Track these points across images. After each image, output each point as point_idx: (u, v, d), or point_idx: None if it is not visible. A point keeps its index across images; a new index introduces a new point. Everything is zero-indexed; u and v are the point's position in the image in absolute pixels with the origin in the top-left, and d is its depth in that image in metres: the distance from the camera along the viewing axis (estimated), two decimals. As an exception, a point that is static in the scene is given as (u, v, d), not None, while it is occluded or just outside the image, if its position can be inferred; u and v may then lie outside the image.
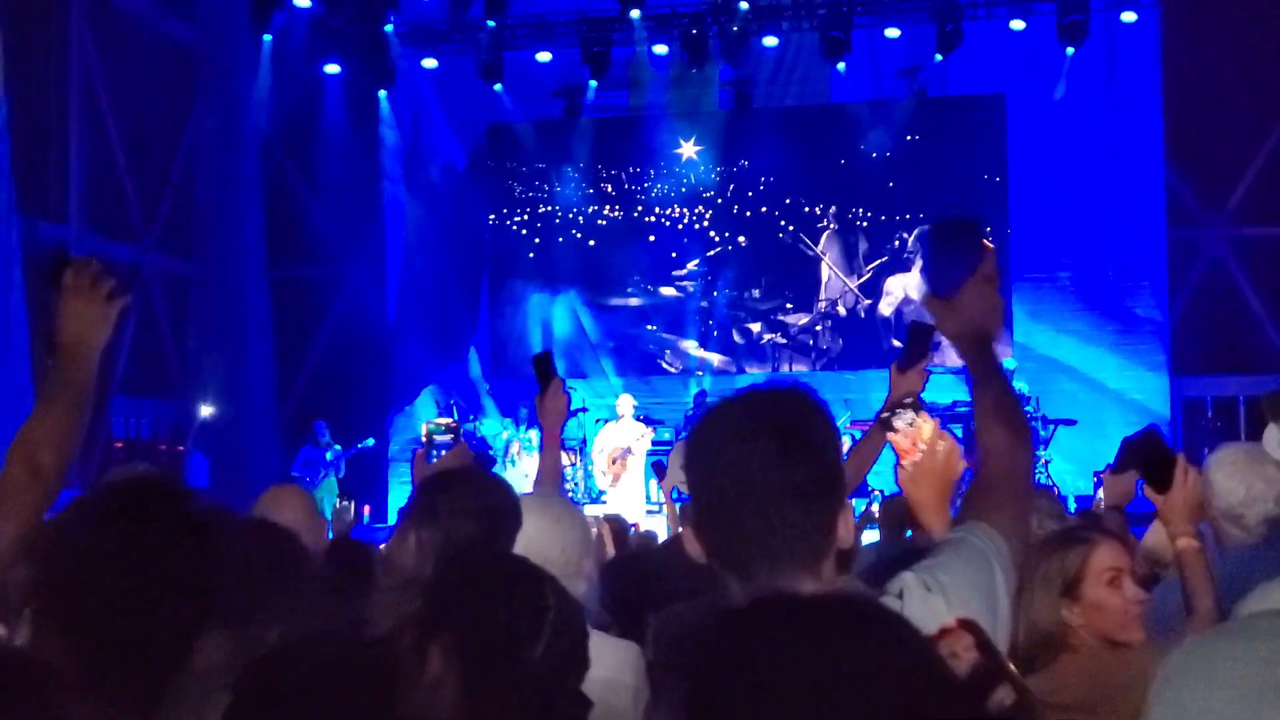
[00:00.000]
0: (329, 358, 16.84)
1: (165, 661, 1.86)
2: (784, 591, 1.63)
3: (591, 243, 17.06)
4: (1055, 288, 15.41)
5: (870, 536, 7.01)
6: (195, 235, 16.22)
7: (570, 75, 16.54)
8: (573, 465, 14.27)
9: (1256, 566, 2.97)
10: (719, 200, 16.83)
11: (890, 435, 2.43)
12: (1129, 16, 15.43)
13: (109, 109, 14.74)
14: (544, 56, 16.42)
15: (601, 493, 13.67)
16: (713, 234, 16.86)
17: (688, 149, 16.90)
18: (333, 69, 16.63)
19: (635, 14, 15.62)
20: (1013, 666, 1.64)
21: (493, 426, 15.33)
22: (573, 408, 16.38)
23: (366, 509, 15.07)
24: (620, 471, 13.45)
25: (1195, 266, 15.72)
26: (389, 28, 16.36)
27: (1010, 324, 15.01)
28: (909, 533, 6.38)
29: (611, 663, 2.87)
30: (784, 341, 16.78)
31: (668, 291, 16.97)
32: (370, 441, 15.07)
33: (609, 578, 3.89)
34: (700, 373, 16.66)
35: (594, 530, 5.18)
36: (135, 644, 1.82)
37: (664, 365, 16.98)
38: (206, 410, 15.54)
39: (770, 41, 16.11)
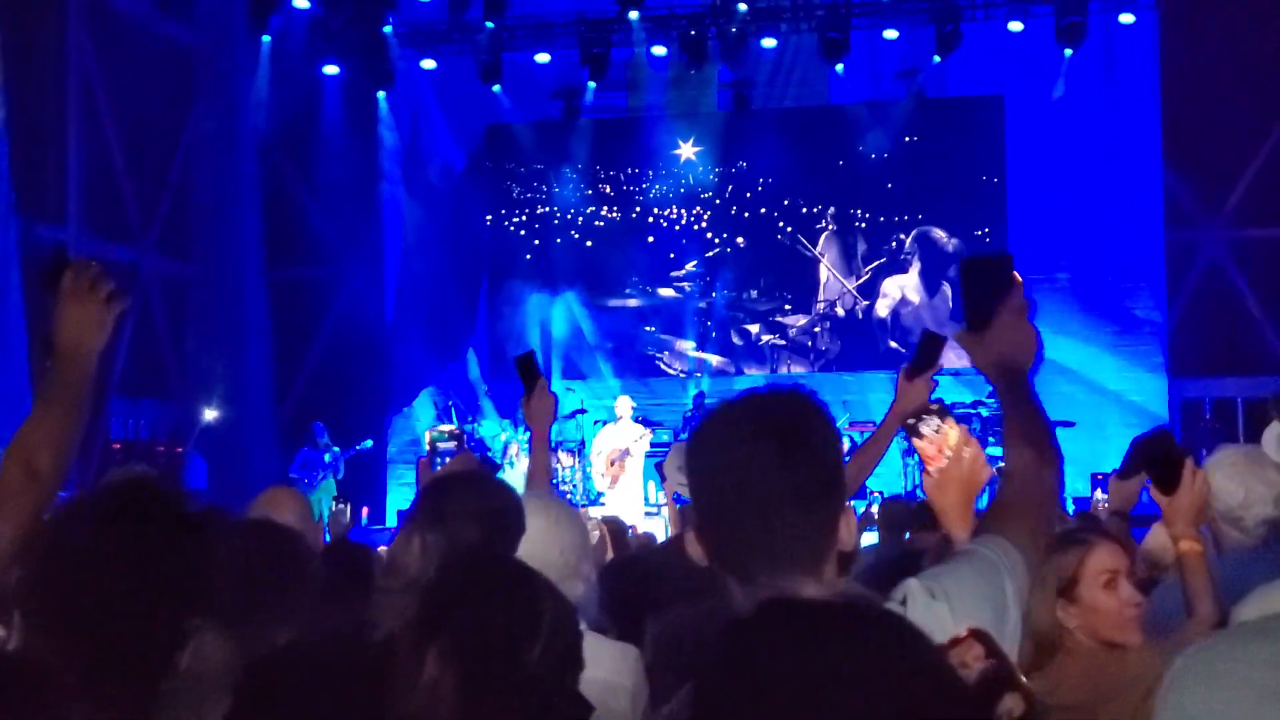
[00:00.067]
0: (327, 359, 16.83)
1: (159, 663, 1.86)
2: (787, 595, 1.64)
3: (590, 244, 17.06)
4: (1053, 289, 15.40)
5: (869, 539, 7.02)
6: (193, 236, 16.21)
7: (569, 76, 16.55)
8: (571, 467, 14.27)
9: (1255, 569, 2.97)
10: (717, 201, 16.83)
11: (916, 441, 2.43)
12: (1127, 18, 15.44)
13: (107, 110, 14.73)
14: (543, 58, 16.43)
15: (600, 494, 13.67)
16: (711, 235, 16.87)
17: (686, 150, 16.90)
18: (331, 70, 16.63)
19: (634, 15, 15.63)
20: (1024, 678, 1.64)
21: (491, 428, 15.33)
22: (571, 409, 16.39)
23: (365, 510, 15.07)
24: (619, 473, 13.44)
25: (1194, 268, 15.73)
26: (388, 29, 16.36)
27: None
28: (907, 535, 6.39)
29: (610, 665, 2.87)
30: (782, 343, 16.78)
31: (666, 292, 16.98)
32: (369, 443, 15.07)
33: (608, 580, 3.88)
34: (699, 374, 16.67)
35: (596, 532, 5.19)
36: (127, 645, 1.82)
37: (662, 366, 16.98)
38: (205, 412, 15.53)
39: (769, 43, 16.12)
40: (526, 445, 14.38)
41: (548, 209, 17.19)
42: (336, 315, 16.99)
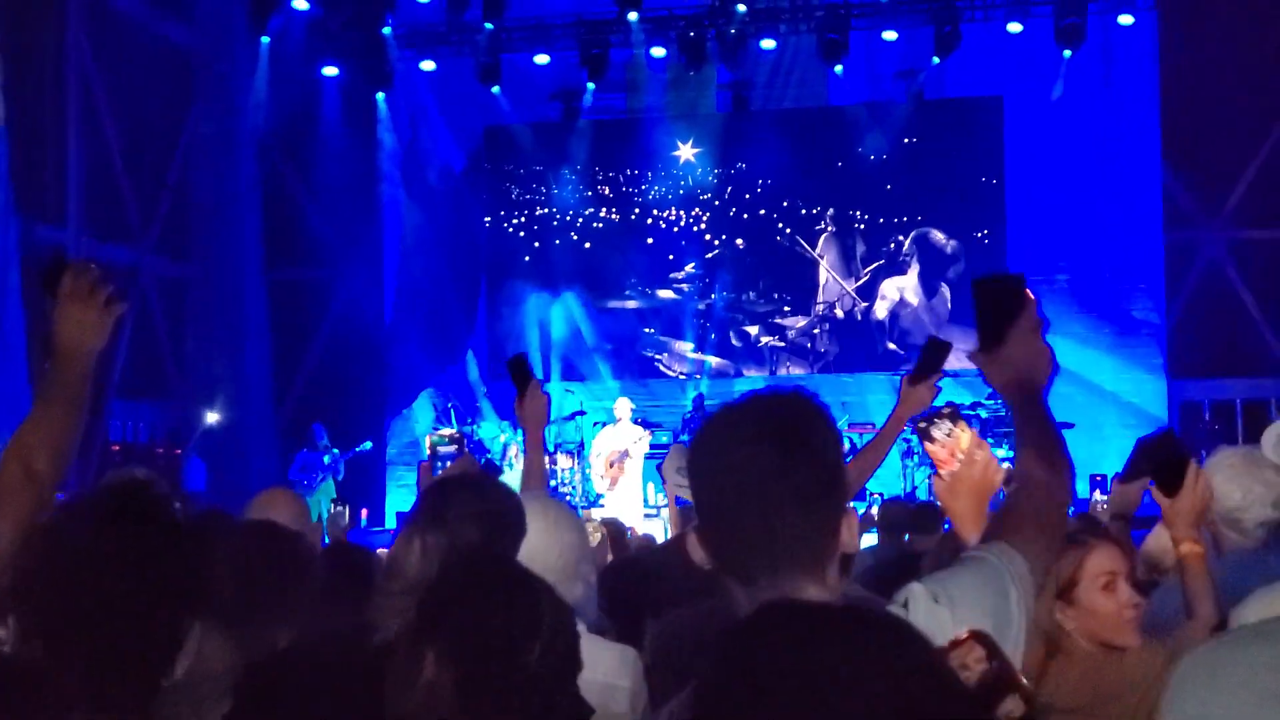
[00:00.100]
0: (326, 360, 16.83)
1: (158, 664, 1.86)
2: (788, 598, 1.64)
3: (589, 245, 17.06)
4: (1052, 290, 15.40)
5: (868, 540, 7.02)
6: (193, 238, 16.22)
7: (568, 78, 16.55)
8: (570, 469, 14.27)
9: (1255, 571, 2.97)
10: (716, 203, 16.84)
11: (928, 445, 2.42)
12: (1126, 19, 15.46)
13: (107, 111, 14.73)
14: (542, 59, 16.43)
15: (599, 496, 13.66)
16: (710, 237, 16.87)
17: (685, 151, 16.90)
18: (330, 71, 16.64)
19: (633, 16, 15.63)
20: (1025, 680, 1.64)
21: (490, 429, 15.32)
22: (571, 411, 16.35)
23: (364, 512, 15.07)
24: (618, 475, 13.44)
25: (1192, 269, 15.74)
26: (387, 30, 16.36)
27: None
28: (906, 536, 6.40)
29: (609, 667, 2.87)
30: (781, 344, 16.78)
31: (665, 294, 16.98)
32: (368, 445, 15.07)
33: (607, 581, 3.88)
34: (698, 376, 16.67)
35: (597, 535, 5.19)
36: (126, 646, 1.82)
37: (661, 368, 16.98)
38: (205, 414, 15.53)
39: (768, 44, 16.13)
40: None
41: (547, 210, 17.19)
42: (335, 317, 16.99)
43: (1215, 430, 14.94)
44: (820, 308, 16.73)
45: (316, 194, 16.92)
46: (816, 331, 16.73)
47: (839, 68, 15.80)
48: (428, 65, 16.75)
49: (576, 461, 14.35)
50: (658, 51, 16.30)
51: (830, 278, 16.71)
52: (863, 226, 16.60)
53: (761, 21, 15.97)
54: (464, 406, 15.89)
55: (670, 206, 16.93)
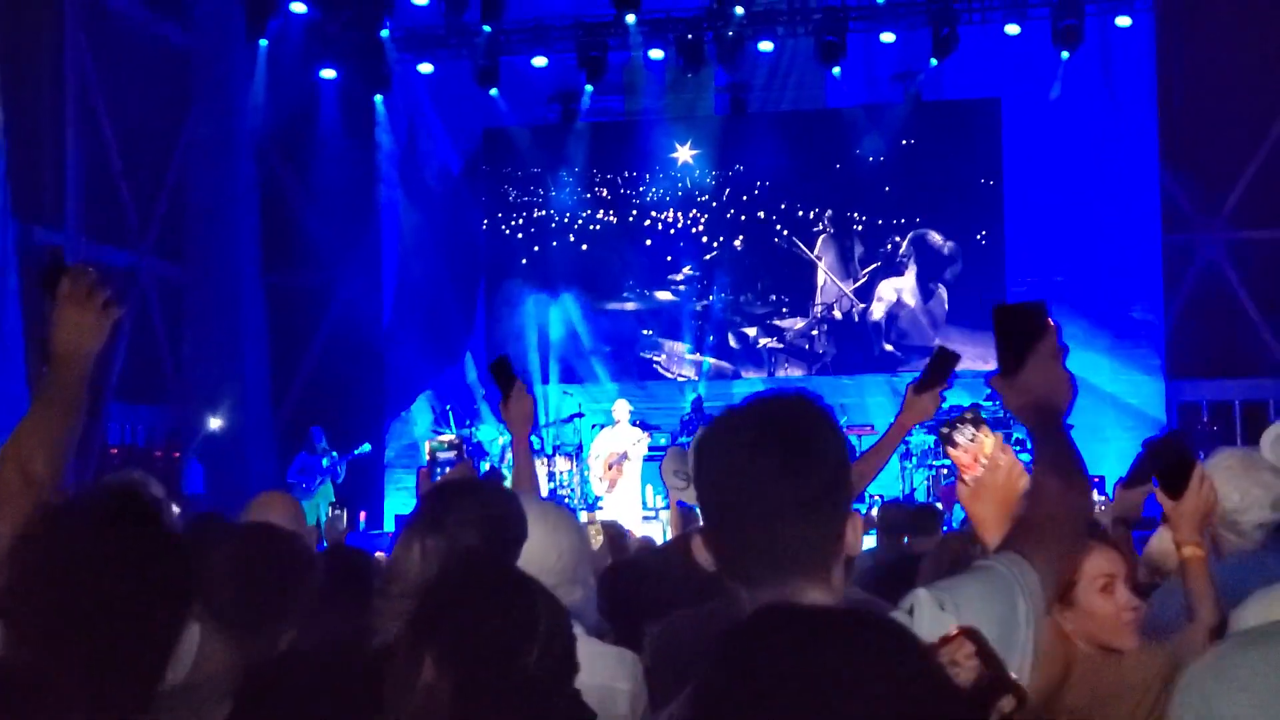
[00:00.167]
0: (324, 363, 16.82)
1: (146, 668, 1.85)
2: (786, 602, 1.65)
3: (587, 247, 17.06)
4: (1050, 292, 15.40)
5: (867, 542, 7.02)
6: (190, 240, 16.21)
7: (566, 80, 16.55)
8: (569, 471, 14.28)
9: (1253, 573, 2.97)
10: (714, 204, 16.84)
11: (951, 451, 2.42)
12: (1123, 21, 15.47)
13: (105, 114, 14.72)
14: (540, 61, 16.44)
15: (598, 498, 13.66)
16: (708, 238, 16.87)
17: (683, 153, 16.91)
18: (328, 74, 16.64)
19: (631, 19, 15.63)
20: (1015, 676, 1.64)
21: (489, 432, 15.31)
22: (569, 413, 16.34)
23: (362, 515, 15.06)
24: (616, 477, 13.44)
25: (1190, 270, 15.75)
26: (385, 33, 16.36)
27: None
28: (905, 539, 6.40)
29: (608, 670, 2.87)
30: (780, 346, 16.78)
31: (663, 296, 16.98)
32: (367, 447, 15.05)
33: (606, 584, 3.88)
34: (696, 377, 16.67)
35: (599, 538, 5.19)
36: (110, 651, 1.81)
37: (660, 370, 16.98)
38: (203, 417, 15.52)
39: (766, 46, 16.14)
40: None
41: (545, 212, 17.20)
42: (334, 319, 16.99)
43: (1214, 431, 14.94)
44: (818, 309, 16.74)
45: (315, 196, 16.91)
46: (815, 333, 16.74)
47: (837, 70, 15.80)
48: (426, 68, 16.76)
49: (575, 464, 14.35)
50: (656, 54, 16.32)
51: (828, 279, 16.72)
52: (861, 228, 16.60)
53: (759, 24, 15.98)
54: (462, 409, 15.89)
55: (668, 208, 16.94)
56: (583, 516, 10.76)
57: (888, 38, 15.81)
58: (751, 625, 1.25)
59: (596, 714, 2.11)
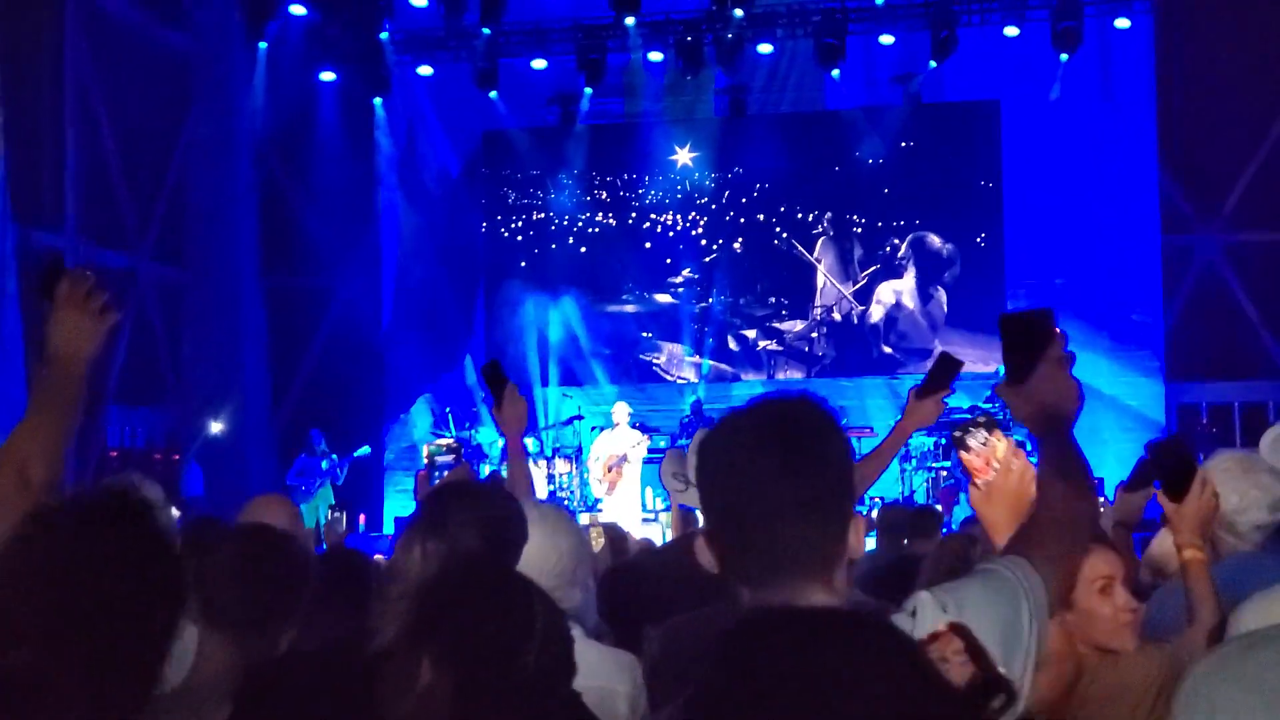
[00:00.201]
0: (324, 366, 16.82)
1: (136, 671, 1.85)
2: (785, 602, 1.65)
3: (586, 250, 17.07)
4: (1049, 294, 15.41)
5: (868, 544, 7.02)
6: (190, 243, 16.20)
7: (565, 82, 16.56)
8: (569, 473, 14.28)
9: (1251, 574, 2.97)
10: (714, 207, 16.85)
11: (963, 454, 2.43)
12: (1123, 23, 15.48)
13: (104, 116, 14.72)
14: (539, 64, 16.45)
15: (598, 501, 13.67)
16: (707, 241, 16.88)
17: (683, 155, 16.92)
18: (328, 76, 16.64)
19: (630, 21, 15.65)
20: (1014, 676, 1.64)
21: (489, 434, 15.31)
22: (568, 415, 16.34)
23: (362, 517, 15.05)
24: (616, 479, 13.45)
25: (1190, 272, 15.75)
26: (384, 35, 16.38)
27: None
28: (905, 540, 6.39)
29: (608, 672, 2.87)
30: (779, 348, 16.78)
31: (663, 298, 16.98)
32: (366, 449, 15.06)
33: (605, 586, 3.89)
34: (696, 380, 16.67)
35: (600, 540, 5.18)
36: (96, 653, 1.81)
37: (659, 372, 16.98)
38: (202, 420, 15.52)
39: (765, 48, 16.15)
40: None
41: (544, 215, 17.20)
42: (333, 322, 16.99)
43: (1213, 434, 14.94)
44: (818, 311, 16.74)
45: (314, 198, 16.91)
46: (814, 335, 16.74)
47: (836, 72, 15.82)
48: (425, 70, 16.77)
49: (574, 466, 14.35)
50: (655, 56, 16.33)
51: (828, 281, 16.72)
52: (860, 230, 16.61)
53: (759, 26, 15.99)
54: (462, 411, 15.89)
55: (668, 210, 16.94)
56: (583, 519, 10.78)
57: (887, 40, 15.82)
58: (750, 626, 1.25)
59: (596, 715, 2.11)
